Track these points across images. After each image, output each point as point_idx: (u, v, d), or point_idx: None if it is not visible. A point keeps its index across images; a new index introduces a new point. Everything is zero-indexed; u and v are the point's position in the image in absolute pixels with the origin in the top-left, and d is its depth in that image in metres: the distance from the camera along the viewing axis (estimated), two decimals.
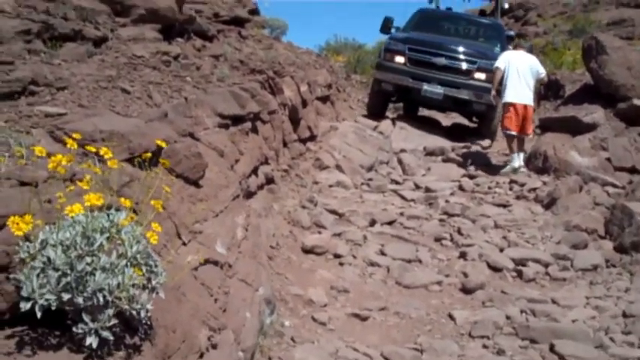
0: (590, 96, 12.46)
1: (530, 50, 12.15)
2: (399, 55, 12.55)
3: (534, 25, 25.09)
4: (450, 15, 15.63)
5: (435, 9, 16.68)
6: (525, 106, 10.45)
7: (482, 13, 18.29)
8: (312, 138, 9.99)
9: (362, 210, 8.15)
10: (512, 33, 16.84)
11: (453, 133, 13.41)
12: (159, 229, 2.77)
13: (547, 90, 14.98)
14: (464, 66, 12.35)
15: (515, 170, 10.21)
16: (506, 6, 19.29)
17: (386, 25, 13.83)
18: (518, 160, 10.33)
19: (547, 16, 25.90)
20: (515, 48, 11.52)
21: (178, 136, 4.91)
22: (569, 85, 14.33)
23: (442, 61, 12.31)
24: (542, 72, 10.81)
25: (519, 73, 10.43)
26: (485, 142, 12.29)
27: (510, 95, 10.41)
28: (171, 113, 5.18)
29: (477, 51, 12.74)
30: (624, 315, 5.66)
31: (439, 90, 12.23)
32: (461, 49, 12.66)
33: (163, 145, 3.62)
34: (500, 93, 10.62)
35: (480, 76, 12.14)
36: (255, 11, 12.92)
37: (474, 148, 11.85)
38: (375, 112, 13.29)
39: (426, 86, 12.26)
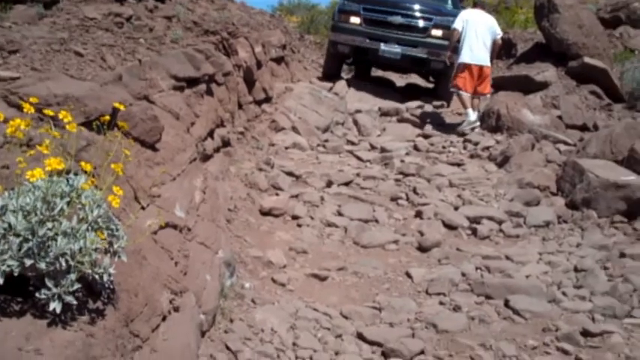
0: (542, 55, 12.58)
1: (483, 8, 12.16)
2: (354, 15, 12.32)
3: None
4: None
5: None
6: (481, 67, 10.47)
7: None
8: (268, 100, 9.92)
9: (318, 171, 8.17)
10: None
11: (408, 93, 13.35)
12: (120, 193, 2.77)
13: (499, 49, 15.10)
14: (420, 24, 12.16)
15: (471, 124, 10.24)
16: None
17: None
18: (473, 115, 10.33)
19: None
20: (474, 6, 11.42)
21: (134, 99, 4.87)
22: (521, 43, 14.39)
23: (398, 19, 12.09)
24: (499, 33, 10.79)
25: (477, 33, 10.42)
26: (440, 102, 12.27)
27: (466, 56, 10.40)
28: (125, 76, 5.12)
29: (432, 8, 12.55)
30: (575, 269, 5.82)
31: (397, 49, 12.07)
32: (416, 6, 12.43)
33: (121, 107, 3.58)
34: (456, 51, 10.63)
35: (437, 32, 12.03)
36: None
37: (428, 108, 11.82)
38: (331, 73, 13.11)
39: (383, 46, 12.09)
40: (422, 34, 12.12)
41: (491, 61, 10.83)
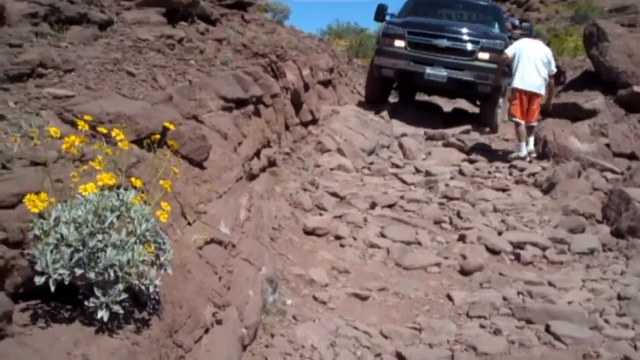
0: (591, 82, 12.45)
1: (542, 39, 12.16)
2: (399, 39, 12.15)
3: (536, 11, 25.09)
4: None
5: None
6: (532, 94, 10.35)
7: None
8: (314, 122, 10.06)
9: (363, 193, 8.24)
10: (516, 22, 16.75)
11: (454, 118, 13.35)
12: (168, 208, 2.88)
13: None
14: (467, 46, 11.99)
15: (521, 159, 10.12)
16: None
17: (380, 13, 13.31)
18: (524, 149, 10.20)
19: (549, 2, 25.91)
20: (535, 37, 11.34)
21: (183, 118, 5.02)
22: (570, 71, 14.33)
23: (444, 42, 11.93)
24: (554, 69, 10.72)
25: (530, 59, 10.32)
26: (486, 128, 12.20)
27: (517, 81, 10.34)
28: (175, 96, 5.28)
29: (479, 31, 12.44)
30: (619, 297, 5.75)
31: (443, 73, 11.86)
32: (462, 29, 12.33)
33: (171, 127, 3.71)
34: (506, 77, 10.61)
35: (484, 56, 11.87)
36: None
37: (475, 133, 11.83)
38: (375, 99, 12.91)
39: (429, 69, 11.88)
40: (469, 57, 11.93)
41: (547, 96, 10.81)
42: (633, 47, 12.71)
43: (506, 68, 10.75)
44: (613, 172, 9.15)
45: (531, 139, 10.38)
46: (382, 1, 13.29)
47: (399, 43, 12.11)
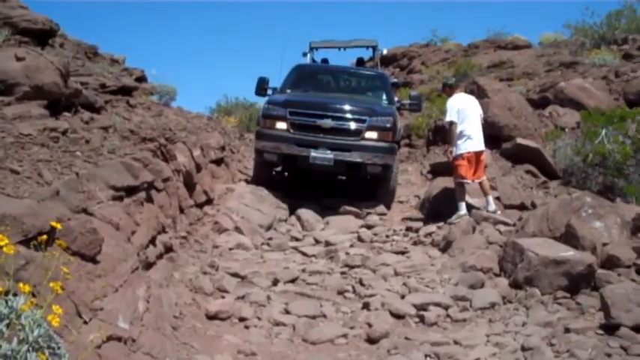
0: None
1: (464, 90, 12.18)
2: (280, 120, 11.31)
3: (419, 73, 26.10)
4: (329, 69, 14.92)
5: (313, 64, 15.79)
6: (482, 152, 10.32)
7: (360, 62, 17.63)
8: (209, 202, 9.97)
9: (264, 270, 8.18)
10: (395, 80, 17.25)
11: (351, 184, 13.19)
12: (59, 311, 2.77)
13: (435, 135, 15.54)
14: (353, 126, 11.25)
15: (461, 217, 9.89)
16: (385, 52, 19.15)
17: (261, 87, 12.78)
18: (464, 209, 9.99)
19: (430, 64, 27.01)
20: (455, 90, 10.77)
21: (72, 213, 4.89)
22: None
23: (329, 122, 11.16)
24: (482, 113, 10.64)
25: (475, 117, 10.28)
26: (381, 208, 11.53)
27: (469, 144, 10.10)
28: (63, 190, 5.14)
29: (365, 107, 11.75)
30: (523, 349, 5.87)
31: (329, 155, 11.03)
32: (348, 107, 11.54)
33: (58, 226, 3.59)
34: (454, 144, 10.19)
35: (372, 135, 11.20)
36: (142, 79, 12.97)
37: (370, 214, 11.28)
38: (262, 183, 11.70)
39: (313, 153, 11.04)
40: (355, 137, 11.22)
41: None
42: (513, 101, 13.45)
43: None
44: (505, 224, 9.45)
45: (491, 197, 10.22)
46: (263, 75, 12.86)
47: (281, 125, 11.33)
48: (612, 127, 11.14)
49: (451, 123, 10.11)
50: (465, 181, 10.07)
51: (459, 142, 10.07)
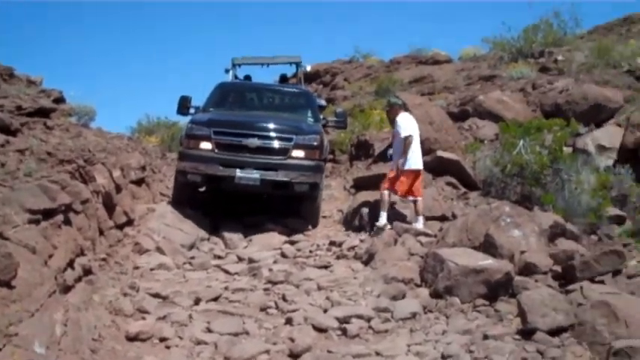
0: None
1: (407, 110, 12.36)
2: (204, 140, 11.07)
3: (342, 89, 26.41)
4: (253, 86, 14.86)
5: (236, 81, 15.84)
6: (421, 170, 10.76)
7: (283, 78, 17.80)
8: (130, 222, 9.89)
9: (186, 290, 8.16)
10: (323, 103, 17.35)
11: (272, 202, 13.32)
12: None
13: (358, 150, 15.79)
14: (280, 145, 11.10)
15: (381, 227, 10.14)
16: (308, 69, 19.14)
17: (183, 105, 12.48)
18: (384, 220, 10.29)
19: (353, 80, 27.38)
20: (400, 110, 11.08)
21: None
22: (377, 143, 15.11)
23: (255, 142, 10.97)
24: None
25: (417, 136, 10.64)
26: (305, 226, 11.62)
27: (415, 161, 10.54)
28: None
29: (291, 126, 11.61)
30: (442, 357, 6.09)
31: (255, 175, 10.88)
32: (274, 125, 11.38)
33: None
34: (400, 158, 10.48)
35: (299, 153, 11.13)
36: (60, 100, 12.75)
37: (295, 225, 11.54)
38: (183, 203, 11.44)
39: (239, 173, 10.85)
40: (282, 155, 11.09)
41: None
42: (433, 115, 13.81)
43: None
44: (427, 235, 9.73)
45: (422, 217, 10.43)
46: (185, 94, 12.61)
47: (205, 145, 11.09)
48: (529, 138, 11.50)
49: (409, 136, 10.42)
50: (389, 193, 10.40)
51: (410, 158, 10.43)
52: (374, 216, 10.67)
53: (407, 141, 10.41)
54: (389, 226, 10.23)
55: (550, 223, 8.73)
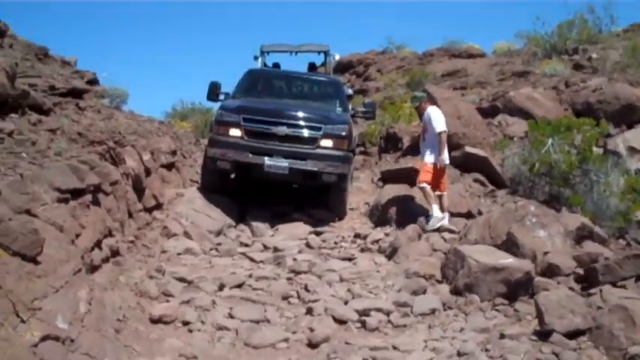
0: None
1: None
2: (234, 127, 11.07)
3: (374, 81, 26.29)
4: (282, 74, 14.66)
5: (265, 69, 15.81)
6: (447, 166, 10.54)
7: (312, 67, 17.53)
8: (159, 206, 9.98)
9: (211, 275, 8.22)
10: (350, 92, 17.28)
11: (304, 192, 13.14)
12: None
13: (387, 143, 15.72)
14: (308, 134, 11.12)
15: (440, 220, 9.95)
16: (337, 58, 18.96)
17: (213, 92, 12.50)
18: (438, 211, 10.04)
19: (386, 71, 27.22)
20: (432, 103, 11.05)
21: (14, 213, 4.90)
22: (406, 137, 14.98)
23: (284, 130, 10.97)
24: None
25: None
26: (332, 217, 11.54)
27: (447, 157, 10.38)
28: (5, 191, 5.15)
29: (320, 115, 11.58)
30: (459, 354, 6.05)
31: (284, 164, 10.86)
32: (302, 114, 11.37)
33: None
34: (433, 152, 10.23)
35: (327, 143, 11.10)
36: (93, 81, 12.89)
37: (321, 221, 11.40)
38: (212, 190, 11.50)
39: (268, 160, 10.85)
40: (310, 145, 11.10)
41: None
42: (461, 109, 13.60)
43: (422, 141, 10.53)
44: (451, 231, 9.64)
45: (446, 214, 10.24)
46: (215, 79, 12.61)
47: (235, 132, 11.09)
48: (558, 137, 11.29)
49: (444, 131, 10.18)
50: (428, 187, 10.11)
51: (441, 152, 10.17)
52: (400, 210, 10.62)
53: (442, 136, 10.20)
54: (446, 217, 10.06)
55: (577, 225, 8.57)
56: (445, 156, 10.30)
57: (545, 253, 7.86)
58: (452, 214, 10.43)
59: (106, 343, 5.01)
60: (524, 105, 15.35)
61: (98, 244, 6.85)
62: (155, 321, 6.62)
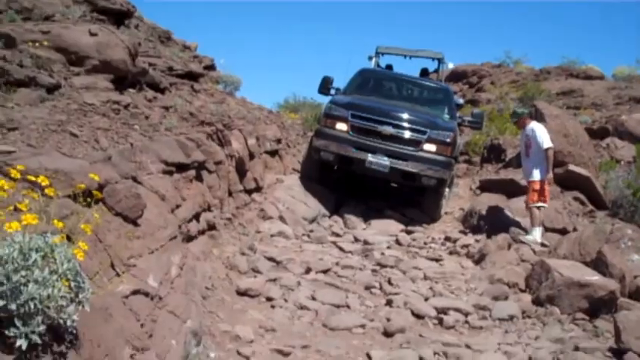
0: None
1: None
2: (341, 121, 11.43)
3: (487, 92, 26.04)
4: (394, 76, 14.76)
5: (378, 69, 15.94)
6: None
7: (424, 72, 17.38)
8: (258, 189, 10.40)
9: (299, 258, 8.55)
10: (461, 101, 17.22)
11: (397, 191, 13.61)
12: (85, 247, 3.19)
13: (490, 153, 15.68)
14: (413, 136, 11.29)
15: (536, 243, 9.77)
16: (451, 66, 19.12)
17: (325, 86, 12.93)
18: (539, 234, 9.94)
19: (500, 84, 26.88)
20: (532, 118, 11.01)
21: (121, 178, 5.33)
22: (510, 149, 14.94)
23: (389, 129, 11.22)
24: None
25: None
26: (424, 219, 11.77)
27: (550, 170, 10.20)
28: (115, 157, 5.60)
29: (427, 120, 11.69)
30: None
31: (385, 162, 11.10)
32: (409, 116, 11.53)
33: (96, 177, 4.03)
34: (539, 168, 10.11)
35: (430, 147, 11.26)
36: (211, 67, 13.46)
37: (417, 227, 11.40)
38: (312, 179, 11.96)
39: (370, 157, 11.13)
40: (414, 147, 11.27)
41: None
42: (569, 128, 13.40)
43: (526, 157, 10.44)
44: (543, 245, 9.59)
45: (540, 228, 10.09)
46: (328, 74, 13.02)
47: (341, 126, 11.44)
48: None
49: (551, 148, 10.06)
50: (543, 206, 10.02)
51: (548, 167, 10.05)
52: (493, 218, 10.64)
53: (549, 152, 10.05)
54: (542, 242, 9.86)
55: None
56: (549, 170, 10.16)
57: (636, 277, 7.77)
58: (546, 229, 10.35)
59: (191, 306, 5.37)
60: (636, 130, 15.00)
61: (197, 217, 7.28)
62: (241, 293, 7.00)
